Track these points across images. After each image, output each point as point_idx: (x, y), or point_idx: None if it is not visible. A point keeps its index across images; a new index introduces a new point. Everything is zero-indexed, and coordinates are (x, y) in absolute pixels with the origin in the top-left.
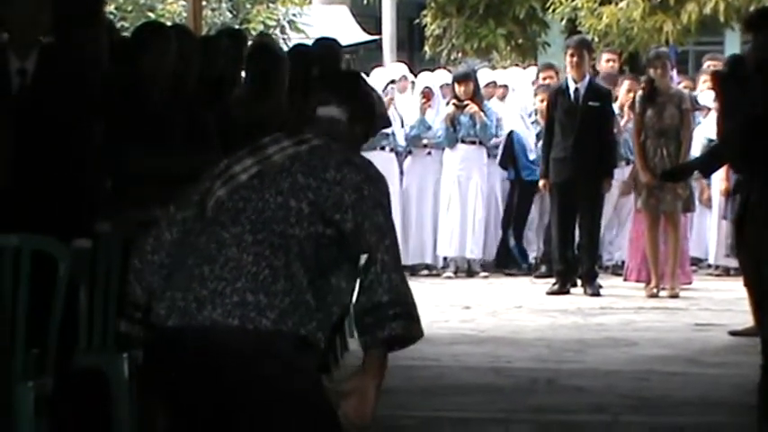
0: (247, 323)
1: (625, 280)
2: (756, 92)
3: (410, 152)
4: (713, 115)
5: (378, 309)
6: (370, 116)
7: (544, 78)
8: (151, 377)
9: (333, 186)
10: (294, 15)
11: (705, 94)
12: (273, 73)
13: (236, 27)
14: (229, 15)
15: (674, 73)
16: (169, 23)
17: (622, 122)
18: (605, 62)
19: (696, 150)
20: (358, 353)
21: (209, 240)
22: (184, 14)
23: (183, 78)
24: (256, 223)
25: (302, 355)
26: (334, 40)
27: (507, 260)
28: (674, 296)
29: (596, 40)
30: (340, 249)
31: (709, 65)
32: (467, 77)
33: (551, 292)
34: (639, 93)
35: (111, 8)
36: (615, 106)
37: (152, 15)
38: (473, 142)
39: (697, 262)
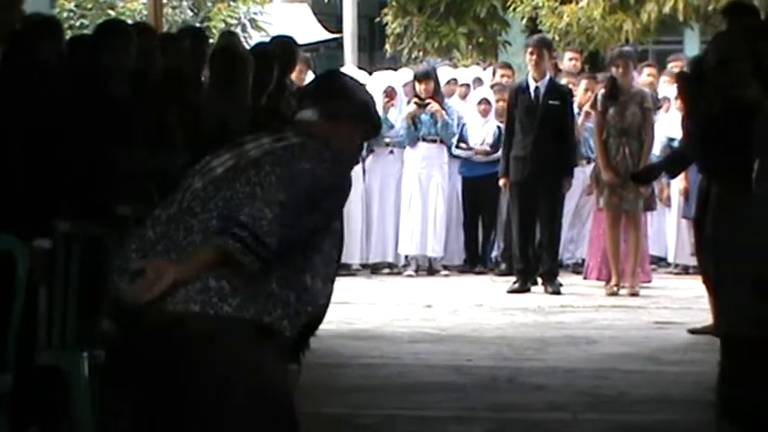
0: (208, 309)
1: (585, 278)
2: (713, 92)
3: (372, 151)
4: (673, 112)
5: (230, 221)
6: (352, 111)
7: (501, 77)
8: (116, 360)
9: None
10: (255, 14)
11: (664, 87)
12: (237, 73)
13: (197, 25)
14: (190, 13)
15: (635, 73)
16: (129, 21)
17: (579, 122)
18: (568, 61)
19: (656, 149)
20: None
21: (179, 228)
22: (145, 12)
23: (144, 76)
24: (223, 210)
25: (263, 342)
26: (291, 38)
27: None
28: (634, 294)
29: (557, 38)
30: (309, 240)
31: (672, 66)
32: (427, 76)
33: (512, 291)
34: (601, 91)
35: (71, 5)
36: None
37: (112, 13)
38: (434, 140)
39: (657, 261)
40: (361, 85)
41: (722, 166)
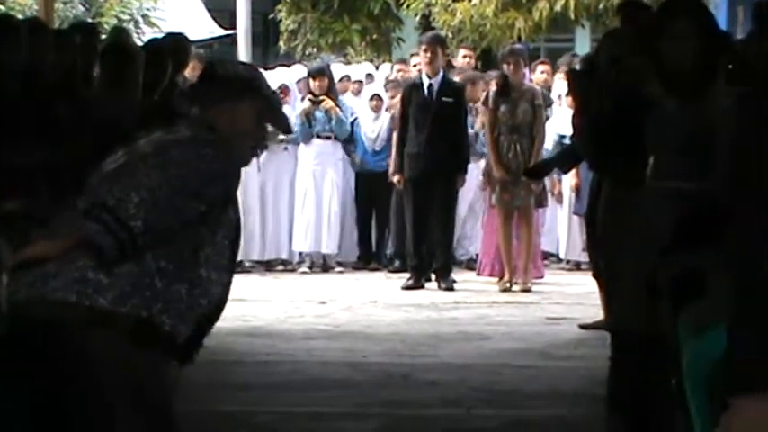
0: (84, 299)
1: (478, 274)
2: (605, 89)
3: (266, 147)
4: (565, 109)
5: (96, 206)
6: (230, 90)
7: (398, 71)
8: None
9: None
10: (148, 10)
11: (559, 84)
12: (127, 71)
13: (89, 21)
14: (82, 9)
15: (527, 70)
16: (20, 16)
17: (478, 120)
18: (462, 58)
19: (548, 145)
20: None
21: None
22: (35, 7)
23: (35, 72)
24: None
25: (139, 337)
26: (183, 35)
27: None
28: (527, 290)
29: (450, 36)
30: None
31: (563, 69)
32: (321, 73)
33: (406, 287)
34: (492, 89)
35: None
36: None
37: (2, 8)
38: (328, 137)
39: (548, 256)
40: (247, 67)
41: (613, 162)
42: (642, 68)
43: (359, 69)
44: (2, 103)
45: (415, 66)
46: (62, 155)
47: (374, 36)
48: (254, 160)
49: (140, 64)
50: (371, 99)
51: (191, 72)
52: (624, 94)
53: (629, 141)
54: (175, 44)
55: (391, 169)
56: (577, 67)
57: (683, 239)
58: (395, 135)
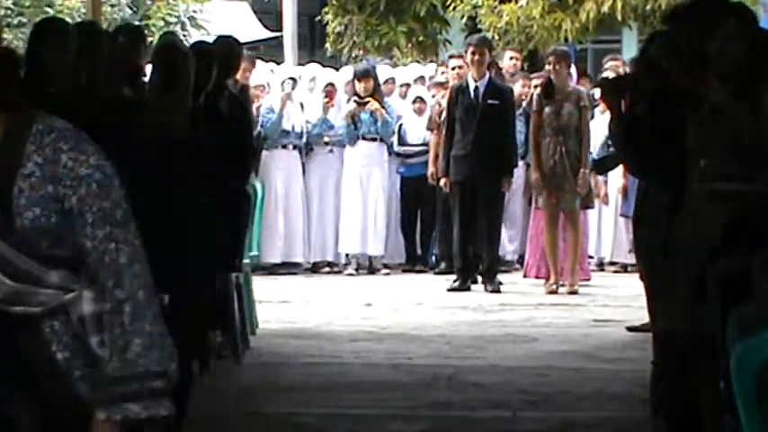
0: None
1: (525, 276)
2: (643, 92)
3: (312, 149)
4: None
5: None
6: None
7: (443, 73)
8: None
9: None
10: (194, 12)
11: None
12: (179, 70)
13: (136, 23)
14: (129, 11)
15: (574, 71)
16: (68, 19)
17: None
18: (509, 60)
19: (596, 146)
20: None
21: None
22: (83, 10)
23: (88, 75)
24: None
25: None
26: (234, 38)
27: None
28: (573, 292)
29: (496, 37)
30: None
31: (610, 65)
32: (367, 74)
33: (452, 289)
34: (537, 91)
35: (8, 3)
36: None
37: (50, 11)
38: (374, 139)
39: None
40: None
41: (654, 166)
42: (700, 71)
43: (406, 71)
44: (52, 106)
45: (453, 69)
46: (114, 157)
47: (420, 38)
48: (299, 162)
49: (192, 67)
50: (414, 102)
51: (241, 75)
52: (665, 95)
53: (670, 144)
54: (225, 47)
55: (430, 170)
56: (609, 74)
57: (732, 241)
58: (434, 135)
